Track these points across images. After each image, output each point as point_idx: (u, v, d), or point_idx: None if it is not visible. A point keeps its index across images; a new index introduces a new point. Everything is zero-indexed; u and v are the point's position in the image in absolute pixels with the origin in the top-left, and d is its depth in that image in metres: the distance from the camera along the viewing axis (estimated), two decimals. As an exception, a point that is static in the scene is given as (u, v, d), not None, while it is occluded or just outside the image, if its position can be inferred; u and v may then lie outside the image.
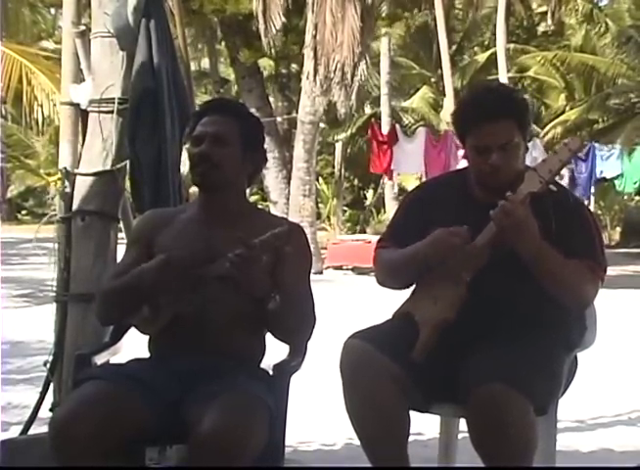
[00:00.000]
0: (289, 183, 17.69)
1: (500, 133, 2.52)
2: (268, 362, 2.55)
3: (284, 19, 16.07)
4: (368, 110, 27.34)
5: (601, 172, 16.41)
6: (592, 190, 16.98)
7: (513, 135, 2.54)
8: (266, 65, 23.22)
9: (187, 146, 2.59)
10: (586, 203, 17.45)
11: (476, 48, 29.45)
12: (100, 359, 2.69)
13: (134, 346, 2.80)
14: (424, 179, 16.50)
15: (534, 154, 13.96)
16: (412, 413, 2.53)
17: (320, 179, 25.93)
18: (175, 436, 2.36)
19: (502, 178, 2.54)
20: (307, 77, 16.07)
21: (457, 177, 2.78)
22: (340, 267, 16.80)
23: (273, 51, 17.95)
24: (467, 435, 2.36)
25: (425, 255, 2.54)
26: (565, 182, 15.18)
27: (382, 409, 2.45)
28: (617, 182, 16.98)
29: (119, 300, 2.50)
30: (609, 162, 16.67)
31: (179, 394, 2.34)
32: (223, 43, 22.24)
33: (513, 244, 2.45)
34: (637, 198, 23.63)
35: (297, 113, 17.74)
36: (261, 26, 16.05)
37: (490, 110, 2.54)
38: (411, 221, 2.73)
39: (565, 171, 14.03)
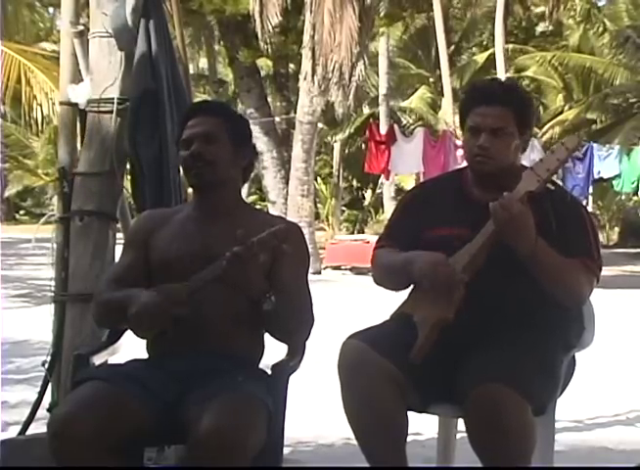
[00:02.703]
0: (287, 183, 17.70)
1: (494, 117, 2.56)
2: (267, 362, 2.55)
3: (280, 18, 16.08)
4: (366, 110, 27.33)
5: (598, 172, 16.38)
6: (590, 190, 16.97)
7: (507, 123, 2.56)
8: (264, 65, 23.23)
9: (179, 151, 2.61)
10: (584, 203, 17.45)
11: (474, 48, 29.47)
12: (98, 360, 2.69)
13: (132, 346, 2.80)
14: (422, 179, 16.51)
15: (532, 154, 13.94)
16: (410, 413, 2.53)
17: (318, 179, 25.94)
18: (174, 436, 2.36)
19: (490, 164, 2.57)
20: (305, 78, 16.08)
21: (454, 177, 2.79)
22: (338, 267, 16.81)
23: (270, 51, 17.96)
24: (465, 435, 2.36)
25: (414, 273, 2.53)
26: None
27: (379, 410, 2.45)
28: (614, 182, 16.97)
29: (112, 313, 2.49)
30: (606, 161, 16.61)
31: (177, 394, 2.34)
32: (221, 43, 22.25)
33: (510, 242, 2.45)
34: (635, 198, 23.63)
35: (295, 113, 17.75)
36: (258, 26, 16.08)
37: (489, 94, 2.60)
38: (408, 221, 2.73)
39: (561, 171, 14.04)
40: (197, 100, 3.45)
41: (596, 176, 16.35)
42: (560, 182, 12.88)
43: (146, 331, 2.43)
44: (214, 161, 2.53)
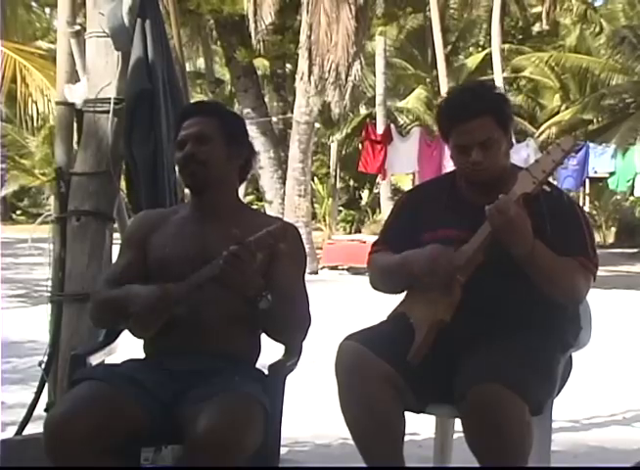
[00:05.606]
0: (284, 183, 17.70)
1: (478, 131, 2.54)
2: (263, 362, 2.55)
3: (274, 18, 16.08)
4: (363, 110, 27.33)
5: (593, 168, 16.37)
6: (587, 190, 17.00)
7: (491, 131, 2.55)
8: (261, 65, 23.22)
9: (175, 153, 2.62)
10: (577, 195, 17.34)
11: (471, 48, 29.48)
12: (95, 360, 2.69)
13: (129, 346, 2.80)
14: (417, 178, 16.52)
15: (528, 153, 13.94)
16: (407, 414, 2.53)
17: (315, 179, 25.93)
18: (171, 436, 2.36)
19: (485, 175, 2.57)
20: (302, 78, 16.08)
21: (448, 180, 2.79)
22: (335, 267, 16.81)
23: (264, 51, 17.96)
24: (462, 435, 2.36)
25: (413, 269, 2.53)
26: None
27: (377, 411, 2.45)
28: (609, 181, 16.99)
29: (111, 312, 2.50)
30: (602, 158, 16.64)
31: (174, 394, 2.34)
32: (218, 43, 22.24)
33: (506, 244, 2.45)
34: (632, 198, 23.62)
35: (292, 113, 17.75)
36: (252, 26, 16.08)
37: (466, 108, 2.56)
38: (404, 225, 2.73)
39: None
40: (194, 100, 3.45)
41: (591, 173, 16.32)
42: (554, 178, 12.88)
43: (147, 328, 2.42)
44: (207, 160, 2.53)
